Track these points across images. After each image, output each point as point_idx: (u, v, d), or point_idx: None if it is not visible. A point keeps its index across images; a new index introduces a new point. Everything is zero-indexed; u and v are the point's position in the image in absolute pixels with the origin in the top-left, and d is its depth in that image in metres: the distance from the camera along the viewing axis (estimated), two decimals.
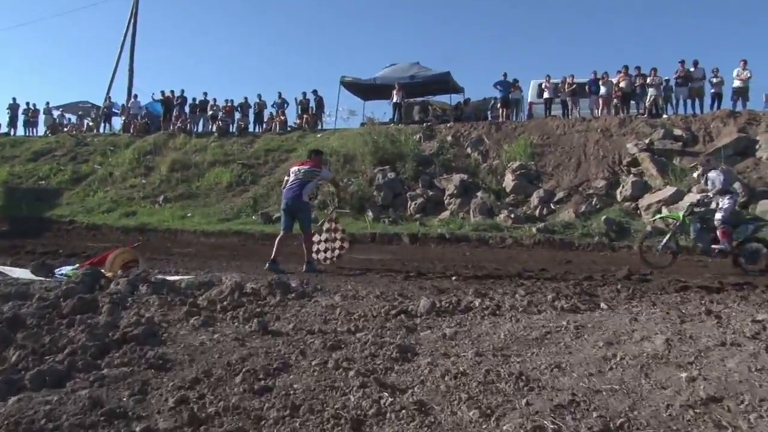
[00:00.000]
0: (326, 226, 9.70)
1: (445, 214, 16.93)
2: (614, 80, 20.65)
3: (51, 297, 4.46)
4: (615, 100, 20.59)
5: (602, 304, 5.20)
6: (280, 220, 9.62)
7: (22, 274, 6.77)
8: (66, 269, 6.77)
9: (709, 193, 10.40)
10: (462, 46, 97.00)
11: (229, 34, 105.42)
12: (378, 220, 16.82)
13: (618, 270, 9.28)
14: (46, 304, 4.24)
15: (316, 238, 9.47)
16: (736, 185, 14.77)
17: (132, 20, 31.70)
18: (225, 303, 4.48)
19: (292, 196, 8.98)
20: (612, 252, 13.40)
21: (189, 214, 19.80)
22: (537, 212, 16.34)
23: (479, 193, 17.23)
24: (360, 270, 9.42)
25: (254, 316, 4.22)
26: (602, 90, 20.71)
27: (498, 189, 17.57)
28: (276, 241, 9.07)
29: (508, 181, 17.63)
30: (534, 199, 16.82)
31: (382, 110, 53.06)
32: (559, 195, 16.86)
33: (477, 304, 4.96)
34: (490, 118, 23.79)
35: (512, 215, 15.93)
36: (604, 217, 14.61)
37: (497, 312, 4.75)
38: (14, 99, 30.45)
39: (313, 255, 9.27)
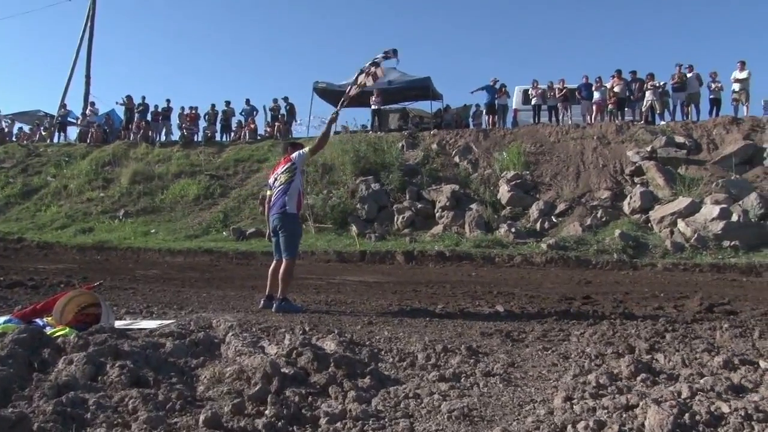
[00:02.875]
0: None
1: (438, 228, 15.39)
2: (608, 85, 19.48)
3: None
4: (609, 106, 19.39)
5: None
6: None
7: None
8: None
9: None
10: (437, 50, 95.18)
11: (194, 38, 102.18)
12: (363, 236, 15.20)
13: (683, 297, 7.87)
14: None
15: None
16: (752, 196, 13.68)
17: (89, 23, 29.60)
18: (255, 397, 2.66)
19: (276, 211, 6.86)
20: (634, 271, 12.06)
21: (153, 231, 17.93)
22: (538, 226, 14.94)
23: (474, 206, 15.76)
24: (358, 295, 7.86)
25: None
26: (596, 95, 19.50)
27: (493, 200, 16.12)
28: (269, 272, 6.92)
29: (504, 192, 16.20)
30: (533, 212, 15.43)
31: (353, 118, 51.38)
32: (561, 207, 15.51)
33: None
34: (471, 126, 22.50)
35: (513, 229, 14.50)
36: (618, 232, 13.26)
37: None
38: None
39: None
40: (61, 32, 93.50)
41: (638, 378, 3.13)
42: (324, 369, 3.02)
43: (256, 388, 2.69)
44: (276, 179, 6.99)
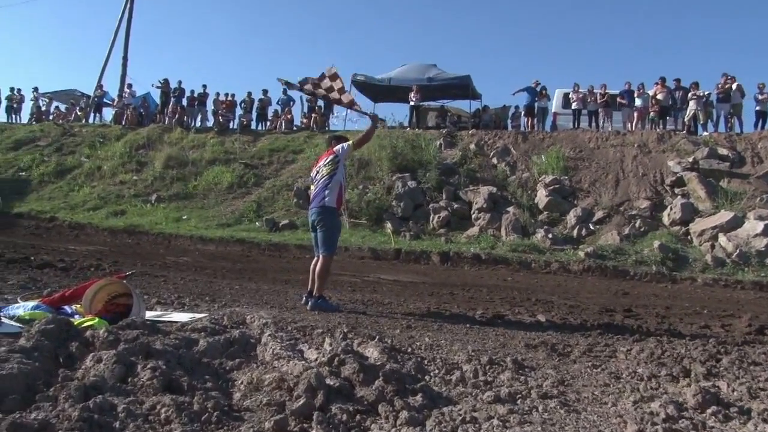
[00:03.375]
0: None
1: (474, 230, 15.31)
2: (651, 92, 19.16)
3: None
4: (651, 114, 19.08)
5: None
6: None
7: None
8: (18, 308, 4.37)
9: None
10: (477, 49, 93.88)
11: (234, 25, 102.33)
12: (398, 233, 15.17)
13: (728, 315, 7.72)
14: None
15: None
16: None
17: (128, 4, 29.79)
18: (299, 413, 2.51)
19: (315, 205, 6.77)
20: (673, 284, 11.88)
21: (185, 217, 18.00)
22: (575, 232, 14.78)
23: (511, 209, 15.65)
24: (394, 295, 7.82)
25: None
26: (638, 102, 19.19)
27: (530, 204, 15.98)
28: (311, 268, 6.82)
29: (541, 197, 16.04)
30: (571, 218, 15.27)
31: (391, 113, 51.14)
32: (598, 214, 15.32)
33: None
34: (509, 127, 22.33)
35: (550, 235, 14.36)
36: (657, 243, 13.06)
37: None
38: None
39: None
40: (100, 12, 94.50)
41: (708, 411, 3.06)
42: (371, 382, 2.90)
43: (300, 403, 2.58)
44: (318, 172, 6.92)
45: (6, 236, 14.53)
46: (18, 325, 3.88)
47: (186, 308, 5.57)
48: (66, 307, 4.58)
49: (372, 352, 3.46)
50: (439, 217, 15.91)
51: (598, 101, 19.81)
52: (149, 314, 4.80)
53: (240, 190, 19.49)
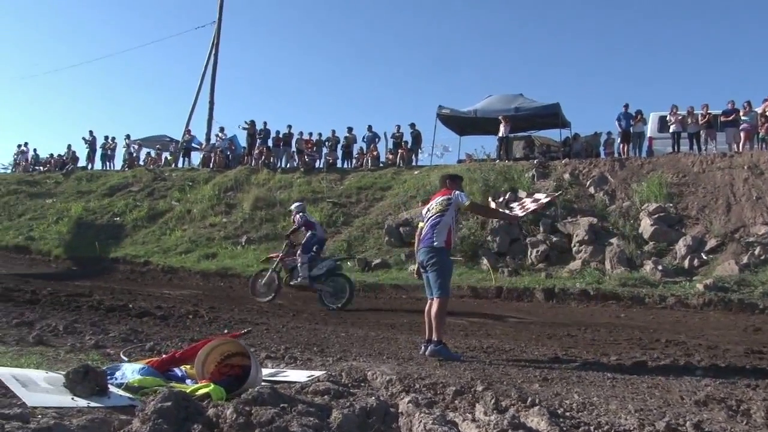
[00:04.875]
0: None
1: (575, 263, 14.55)
2: (758, 110, 17.99)
3: None
4: (761, 133, 17.89)
5: None
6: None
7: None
8: (125, 374, 3.84)
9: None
10: (564, 76, 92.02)
11: (314, 65, 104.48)
12: (495, 269, 14.58)
13: None
14: None
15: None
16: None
17: (213, 51, 30.66)
18: None
19: (424, 245, 6.43)
20: None
21: None
22: (686, 263, 13.81)
23: (614, 240, 14.81)
24: (510, 339, 7.25)
25: None
26: (744, 121, 18.03)
27: (634, 234, 15.10)
28: (425, 314, 6.42)
29: (646, 226, 15.13)
30: (680, 248, 14.29)
31: (475, 146, 50.64)
32: (711, 243, 14.28)
33: None
34: (603, 155, 21.46)
35: (659, 267, 13.47)
36: None
37: None
38: (91, 132, 29.79)
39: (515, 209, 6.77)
40: (187, 59, 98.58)
41: None
42: None
43: None
44: (428, 210, 6.61)
45: (104, 281, 14.84)
46: (128, 395, 3.44)
47: (299, 363, 5.21)
48: (176, 370, 4.20)
49: (538, 423, 2.97)
50: (537, 252, 15.24)
51: (700, 122, 18.73)
52: (264, 372, 4.43)
53: (329, 229, 19.32)
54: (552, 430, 2.83)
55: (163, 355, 4.53)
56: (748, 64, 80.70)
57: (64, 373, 3.30)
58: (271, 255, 13.04)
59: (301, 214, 12.52)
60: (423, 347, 6.22)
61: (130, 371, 3.86)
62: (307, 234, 12.22)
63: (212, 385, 3.54)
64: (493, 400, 3.41)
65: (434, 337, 6.09)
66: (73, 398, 3.06)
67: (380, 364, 5.11)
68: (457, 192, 6.57)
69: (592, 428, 3.10)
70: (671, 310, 11.56)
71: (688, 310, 11.53)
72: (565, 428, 2.94)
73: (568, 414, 3.49)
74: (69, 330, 6.01)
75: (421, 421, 2.89)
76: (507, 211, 7.17)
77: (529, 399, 3.56)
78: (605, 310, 11.60)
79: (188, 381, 3.95)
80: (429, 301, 6.45)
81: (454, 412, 3.30)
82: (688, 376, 5.20)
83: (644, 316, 10.91)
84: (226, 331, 7.10)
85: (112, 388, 3.43)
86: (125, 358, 4.67)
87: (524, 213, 7.06)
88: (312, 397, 3.63)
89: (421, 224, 6.73)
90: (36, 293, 9.55)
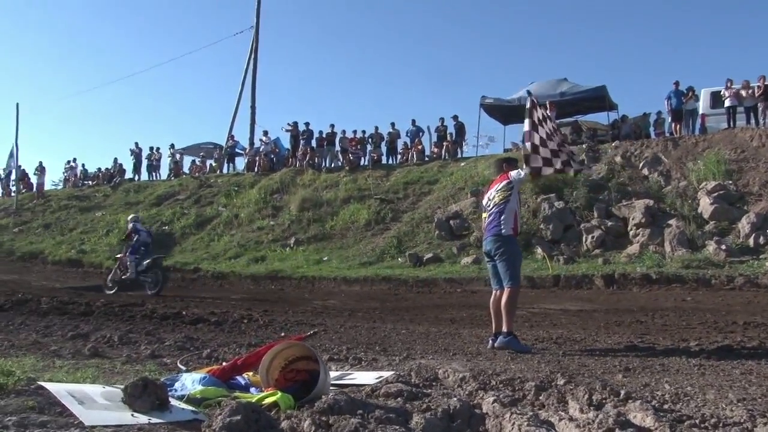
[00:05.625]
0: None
1: (633, 247, 14.13)
2: None
3: None
4: None
5: None
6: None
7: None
8: (185, 384, 3.64)
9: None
10: (610, 58, 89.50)
11: (355, 63, 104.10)
12: (550, 258, 14.25)
13: None
14: None
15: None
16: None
17: (252, 56, 30.87)
18: None
19: (490, 234, 6.21)
20: None
21: (325, 258, 17.88)
22: (752, 241, 13.27)
23: (672, 221, 14.33)
24: (579, 328, 6.98)
25: None
26: None
27: (693, 215, 14.59)
28: (491, 306, 6.24)
29: (705, 205, 14.62)
30: (744, 226, 13.74)
31: (520, 135, 49.77)
32: None
33: None
34: (653, 135, 20.86)
35: (723, 246, 12.99)
36: None
37: None
38: (137, 144, 30.24)
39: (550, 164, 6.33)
40: (226, 66, 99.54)
41: None
42: None
43: None
44: (490, 200, 6.35)
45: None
46: (191, 408, 3.21)
47: (363, 363, 5.06)
48: (239, 378, 3.97)
49: (642, 419, 2.75)
50: (592, 237, 14.86)
51: (756, 95, 18.01)
52: (331, 375, 4.24)
53: (378, 226, 19.22)
54: (661, 426, 2.62)
55: (224, 363, 4.32)
56: None
57: (122, 387, 3.15)
58: (117, 256, 15.39)
59: (132, 224, 15.14)
60: (491, 341, 6.04)
61: (190, 382, 3.66)
62: (134, 239, 14.57)
63: (279, 393, 3.31)
64: (586, 396, 3.21)
65: (504, 329, 5.91)
66: (132, 414, 2.89)
67: (450, 361, 4.93)
68: (514, 171, 6.32)
69: (697, 422, 2.88)
70: (741, 291, 11.09)
71: (759, 289, 11.05)
72: (669, 423, 2.73)
73: (666, 407, 3.28)
74: (124, 340, 6.03)
75: (514, 422, 2.71)
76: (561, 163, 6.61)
77: (623, 392, 3.35)
78: (670, 294, 11.20)
79: (252, 389, 3.76)
80: (495, 292, 6.26)
81: (546, 411, 3.11)
82: None
83: (713, 299, 10.49)
84: (283, 334, 7.01)
85: (173, 401, 3.23)
86: (183, 368, 4.54)
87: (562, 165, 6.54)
88: (384, 400, 3.46)
89: (484, 214, 6.51)
90: (90, 305, 9.69)
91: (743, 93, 18.33)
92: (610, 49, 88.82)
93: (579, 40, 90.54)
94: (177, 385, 3.63)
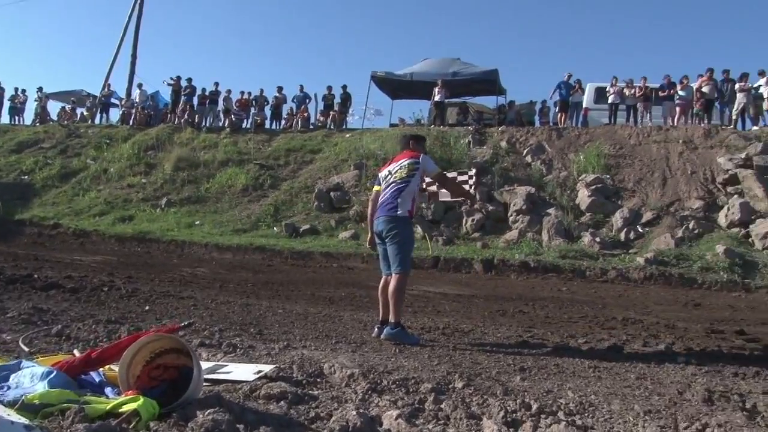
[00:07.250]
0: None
1: (512, 233, 14.08)
2: (695, 85, 17.89)
3: None
4: (696, 108, 17.82)
5: None
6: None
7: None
8: (21, 381, 2.74)
9: None
10: (499, 42, 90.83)
11: (245, 22, 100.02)
12: (430, 238, 13.94)
13: None
14: None
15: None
16: None
17: (137, 2, 28.71)
18: None
19: (383, 213, 5.55)
20: (747, 293, 10.67)
21: (197, 222, 16.79)
22: (623, 236, 13.56)
23: (552, 210, 14.42)
24: (463, 317, 6.58)
25: None
26: (681, 95, 17.90)
27: (571, 205, 14.75)
28: (379, 292, 5.65)
29: (583, 197, 14.83)
30: (617, 220, 14.04)
31: (409, 111, 49.79)
32: (647, 216, 14.09)
33: None
34: (538, 123, 21.12)
35: (597, 239, 13.17)
36: (722, 248, 11.86)
37: None
38: None
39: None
40: (109, 8, 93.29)
41: None
42: None
43: None
44: (391, 173, 5.65)
45: (7, 246, 13.34)
46: (23, 421, 2.13)
47: (239, 352, 4.26)
48: (92, 374, 3.06)
49: None
50: (473, 220, 14.70)
51: (637, 95, 18.53)
52: (204, 366, 3.43)
53: (255, 192, 18.28)
54: None
55: (76, 353, 3.46)
56: (686, 39, 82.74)
57: None
58: None
59: None
60: (377, 329, 5.44)
61: (29, 378, 2.76)
62: None
63: (141, 399, 2.51)
64: (501, 413, 2.68)
65: (391, 319, 5.31)
66: None
67: (335, 354, 4.29)
68: (424, 156, 5.68)
69: None
70: (612, 284, 11.23)
71: (628, 283, 11.24)
72: None
73: (578, 422, 2.81)
74: None
75: None
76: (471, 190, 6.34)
77: (534, 405, 2.85)
78: (546, 283, 11.14)
79: (108, 389, 2.92)
80: (384, 278, 5.61)
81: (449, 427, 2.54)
82: (669, 363, 4.64)
83: (587, 290, 10.51)
84: (162, 323, 6.03)
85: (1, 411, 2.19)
86: (26, 349, 3.71)
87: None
88: (265, 403, 2.92)
89: (377, 188, 5.84)
90: None
91: (626, 92, 18.83)
92: (503, 34, 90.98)
93: (473, 21, 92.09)
94: (12, 380, 2.76)
